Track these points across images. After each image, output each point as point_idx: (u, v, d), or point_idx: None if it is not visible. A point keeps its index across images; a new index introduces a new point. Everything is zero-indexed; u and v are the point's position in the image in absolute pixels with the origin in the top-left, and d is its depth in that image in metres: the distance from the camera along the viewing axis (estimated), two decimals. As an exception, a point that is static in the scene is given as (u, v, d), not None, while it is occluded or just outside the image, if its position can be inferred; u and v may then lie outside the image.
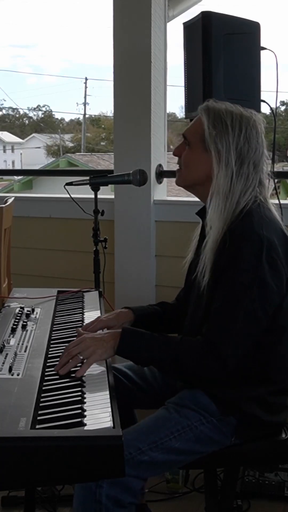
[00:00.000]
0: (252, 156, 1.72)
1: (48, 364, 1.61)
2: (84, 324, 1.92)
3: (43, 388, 1.47)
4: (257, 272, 1.62)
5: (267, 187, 1.79)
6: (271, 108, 2.50)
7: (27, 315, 1.96)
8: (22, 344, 1.71)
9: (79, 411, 1.34)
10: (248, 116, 1.75)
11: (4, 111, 47.03)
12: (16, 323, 1.86)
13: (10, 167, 36.59)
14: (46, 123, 45.91)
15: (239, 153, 1.71)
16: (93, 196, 2.39)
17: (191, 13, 2.51)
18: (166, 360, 1.65)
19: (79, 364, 1.58)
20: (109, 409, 1.35)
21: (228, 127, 1.71)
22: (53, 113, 50.10)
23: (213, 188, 1.72)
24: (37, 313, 2.01)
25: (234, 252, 1.64)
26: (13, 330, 1.81)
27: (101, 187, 2.38)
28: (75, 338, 1.73)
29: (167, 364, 1.66)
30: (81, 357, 1.59)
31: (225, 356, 1.60)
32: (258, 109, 2.46)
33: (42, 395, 1.43)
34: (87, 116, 36.36)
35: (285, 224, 1.80)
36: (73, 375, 1.55)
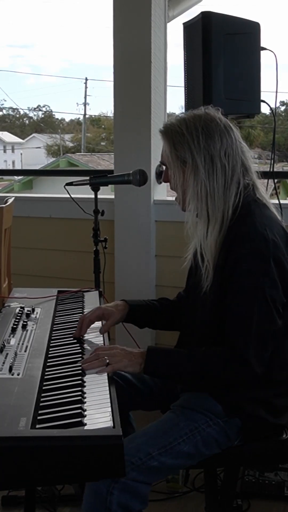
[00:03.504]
0: (219, 148, 1.68)
1: (48, 364, 1.61)
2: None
3: (43, 388, 1.47)
4: (267, 273, 1.61)
5: (254, 171, 1.75)
6: (270, 108, 2.50)
7: (27, 315, 1.96)
8: (22, 344, 1.71)
9: (79, 411, 1.34)
10: (200, 113, 1.72)
11: (4, 111, 47.16)
12: (16, 323, 1.86)
13: (10, 167, 36.64)
14: (46, 123, 45.97)
15: (205, 150, 1.67)
16: (93, 196, 2.39)
17: (191, 13, 2.52)
18: (195, 374, 1.65)
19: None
20: (109, 409, 1.35)
21: (184, 134, 1.68)
22: (53, 113, 50.26)
23: (194, 194, 1.69)
24: (37, 313, 2.01)
25: (240, 255, 1.62)
26: (13, 330, 1.81)
27: (101, 187, 2.38)
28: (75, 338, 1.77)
29: (195, 378, 1.65)
30: (107, 361, 1.59)
31: (249, 359, 1.59)
32: (258, 109, 2.46)
33: (42, 395, 1.43)
34: (87, 116, 36.42)
35: (286, 224, 1.80)
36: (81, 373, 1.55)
